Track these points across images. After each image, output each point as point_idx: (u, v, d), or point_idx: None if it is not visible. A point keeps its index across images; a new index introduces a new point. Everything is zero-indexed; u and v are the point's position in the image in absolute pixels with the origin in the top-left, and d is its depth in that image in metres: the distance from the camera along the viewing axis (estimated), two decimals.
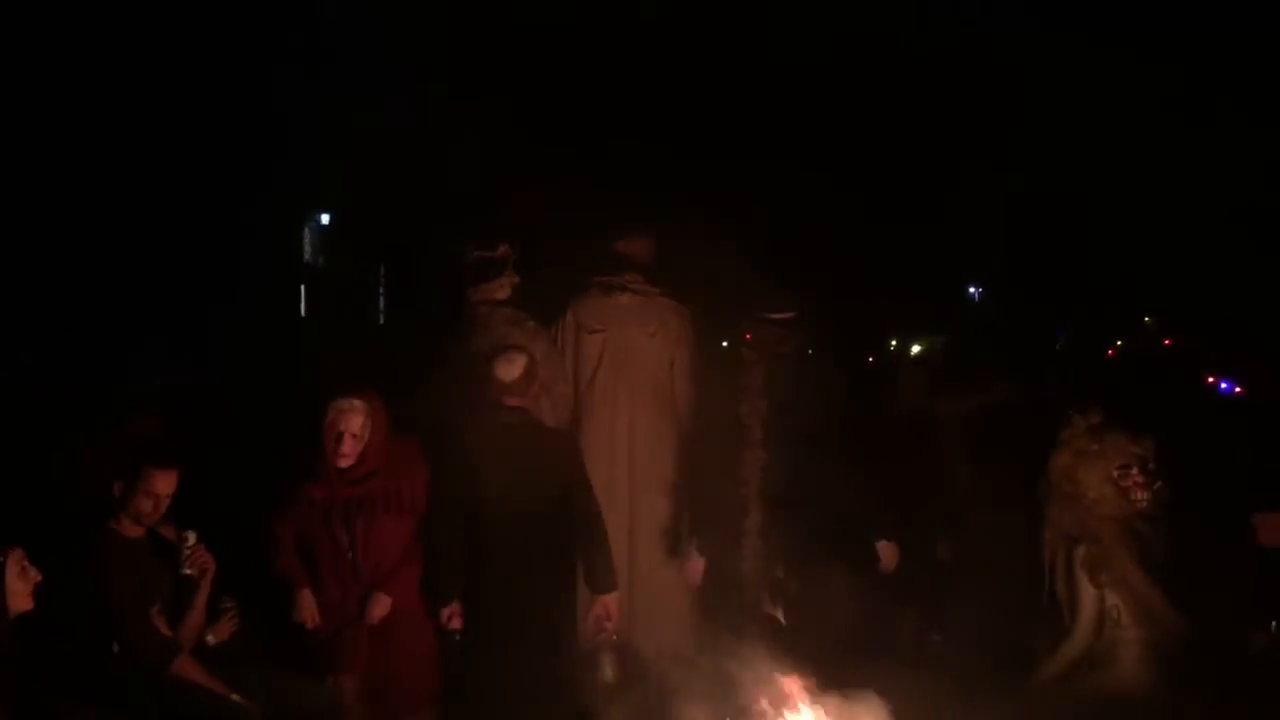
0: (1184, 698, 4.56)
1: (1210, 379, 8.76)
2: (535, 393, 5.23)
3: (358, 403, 4.87)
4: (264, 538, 4.91)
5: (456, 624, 4.91)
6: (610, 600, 5.08)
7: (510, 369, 5.01)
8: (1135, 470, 4.90)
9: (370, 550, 4.89)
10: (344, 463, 4.86)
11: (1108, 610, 4.81)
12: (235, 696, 4.40)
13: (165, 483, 4.44)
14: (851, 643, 4.22)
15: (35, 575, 3.92)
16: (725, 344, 6.28)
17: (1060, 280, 11.81)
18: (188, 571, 4.53)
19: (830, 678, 4.10)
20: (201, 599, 4.55)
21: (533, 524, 4.89)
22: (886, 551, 5.29)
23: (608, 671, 5.44)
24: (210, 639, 4.59)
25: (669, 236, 6.02)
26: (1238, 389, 8.40)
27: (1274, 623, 4.45)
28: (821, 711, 3.98)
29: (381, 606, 4.85)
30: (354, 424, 4.85)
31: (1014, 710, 4.39)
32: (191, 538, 4.55)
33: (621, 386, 5.66)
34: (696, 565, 5.35)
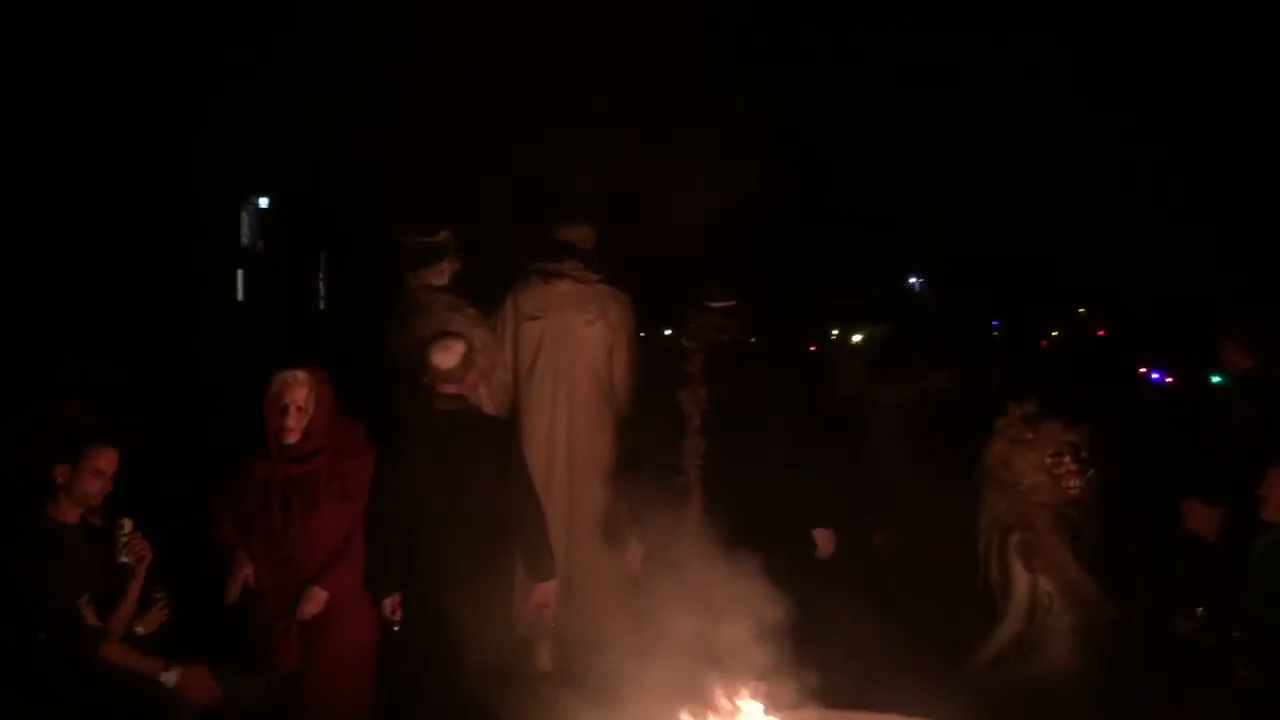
0: (1113, 683, 4.63)
1: (1141, 369, 8.93)
2: (473, 380, 5.18)
3: (302, 375, 4.79)
4: (205, 506, 4.84)
5: (399, 615, 4.86)
6: (548, 588, 5.06)
7: (447, 356, 4.95)
8: (1068, 458, 4.95)
9: (306, 534, 4.77)
10: (289, 438, 4.77)
11: (1040, 597, 4.86)
12: (167, 674, 4.37)
13: (109, 460, 4.43)
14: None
15: None
16: (668, 332, 6.28)
17: (997, 272, 11.97)
18: (124, 559, 4.47)
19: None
20: (135, 587, 4.50)
21: (470, 512, 4.86)
22: (823, 539, 5.33)
23: (545, 659, 5.45)
24: (140, 629, 4.53)
25: (610, 224, 6.01)
26: (1168, 379, 8.56)
27: (1200, 609, 4.52)
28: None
29: (315, 603, 4.74)
30: (299, 396, 4.77)
31: (947, 696, 4.43)
32: (128, 525, 4.49)
33: (560, 374, 5.65)
34: (635, 553, 5.34)
